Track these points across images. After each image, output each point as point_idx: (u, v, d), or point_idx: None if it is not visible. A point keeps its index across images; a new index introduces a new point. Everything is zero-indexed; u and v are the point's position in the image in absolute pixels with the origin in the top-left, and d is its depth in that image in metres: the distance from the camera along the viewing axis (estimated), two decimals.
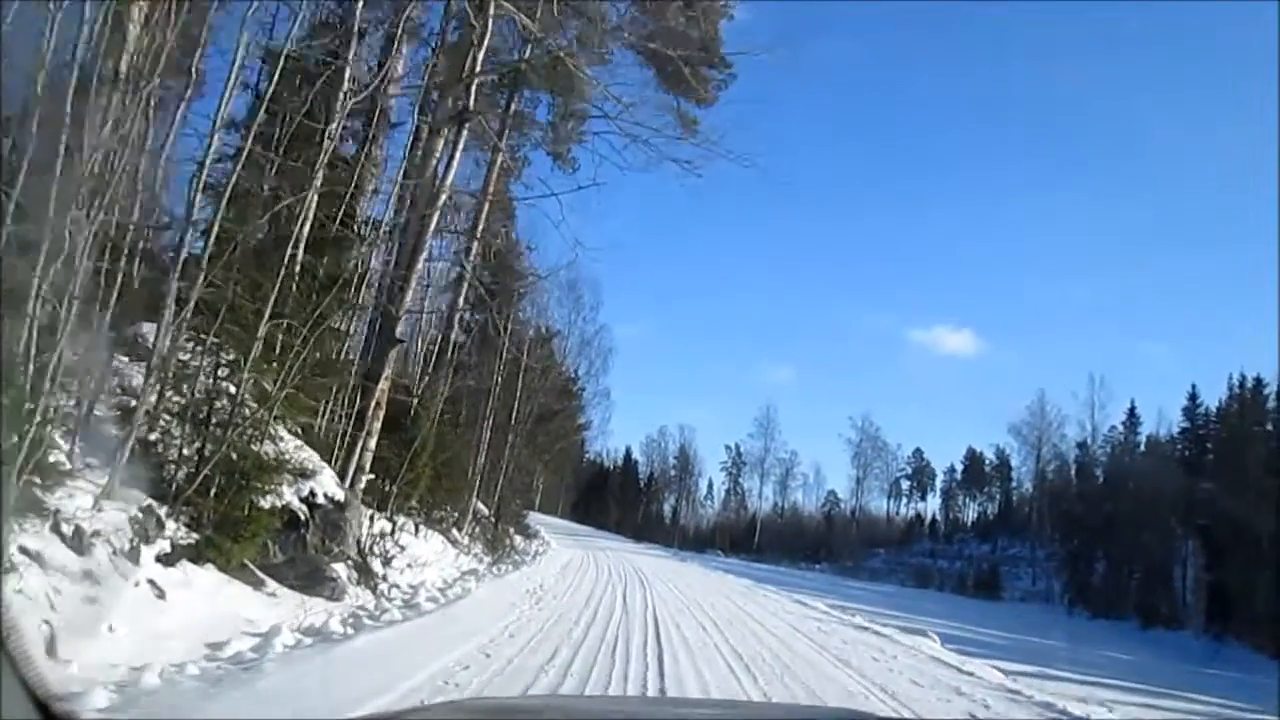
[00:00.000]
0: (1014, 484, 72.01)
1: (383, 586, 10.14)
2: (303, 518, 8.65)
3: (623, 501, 69.03)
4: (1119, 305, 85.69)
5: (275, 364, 8.57)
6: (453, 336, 22.16)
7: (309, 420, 9.93)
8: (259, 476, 8.04)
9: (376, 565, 10.57)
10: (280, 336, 9.63)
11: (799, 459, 73.94)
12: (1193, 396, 55.46)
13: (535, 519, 40.84)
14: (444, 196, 10.23)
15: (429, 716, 2.47)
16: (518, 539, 26.48)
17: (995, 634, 28.80)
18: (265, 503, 8.29)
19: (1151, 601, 48.71)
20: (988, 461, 74.51)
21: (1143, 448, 58.63)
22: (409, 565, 11.88)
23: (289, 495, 8.64)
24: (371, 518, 10.61)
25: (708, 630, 10.02)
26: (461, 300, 22.31)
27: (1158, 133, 78.27)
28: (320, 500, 8.83)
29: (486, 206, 22.87)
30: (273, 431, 8.64)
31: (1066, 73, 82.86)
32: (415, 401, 14.95)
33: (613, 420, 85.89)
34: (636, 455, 75.11)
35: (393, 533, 12.54)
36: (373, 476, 14.91)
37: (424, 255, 10.19)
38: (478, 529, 21.30)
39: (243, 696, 4.63)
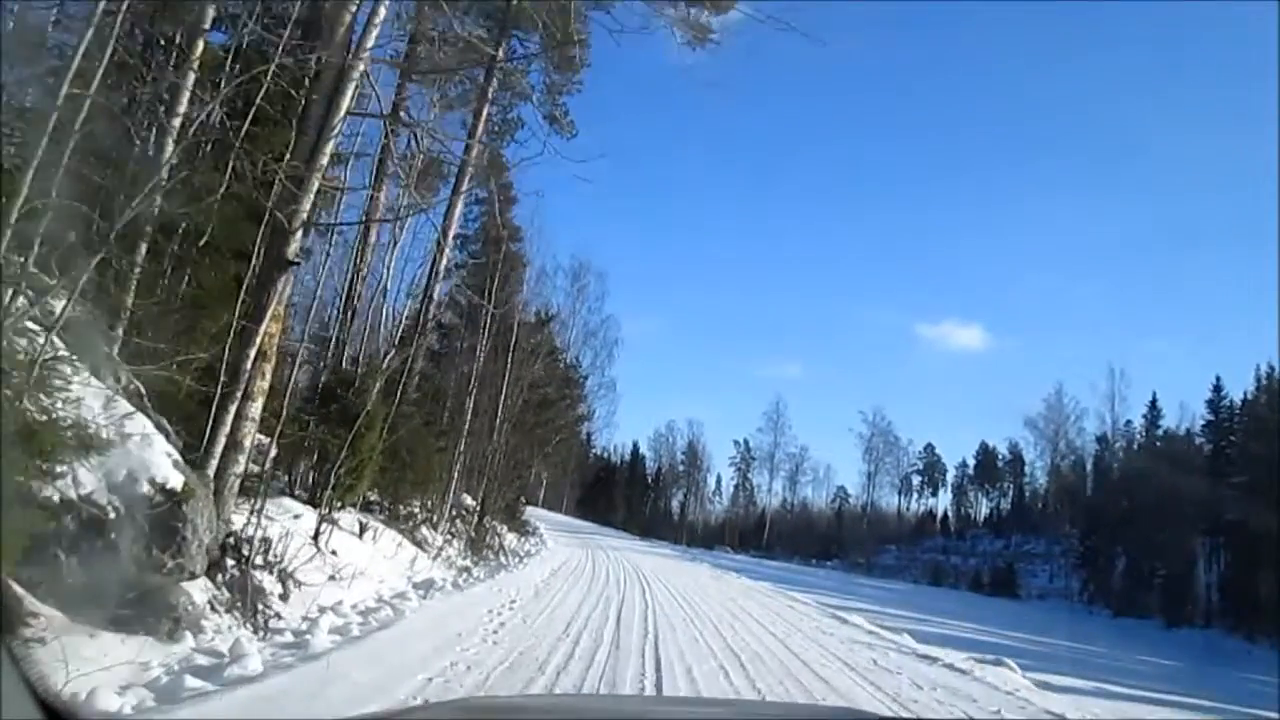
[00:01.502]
0: (1027, 479, 68.81)
1: (274, 612, 6.93)
2: (112, 515, 5.43)
3: (629, 497, 65.69)
4: (1130, 301, 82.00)
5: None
6: (430, 309, 18.98)
7: (170, 374, 6.76)
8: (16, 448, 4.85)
9: (270, 582, 7.36)
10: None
11: (809, 454, 70.62)
12: (1217, 388, 52.25)
13: (537, 516, 37.69)
14: (360, 69, 7.02)
15: (430, 715, 2.38)
16: (510, 538, 23.25)
17: (1028, 639, 25.82)
18: (49, 491, 5.16)
19: (1175, 600, 45.58)
20: (1000, 456, 71.13)
21: (1159, 442, 55.31)
22: (333, 578, 8.67)
23: (93, 481, 5.44)
24: (254, 512, 7.34)
25: (730, 675, 6.75)
26: (443, 268, 19.16)
27: (1161, 132, 75.13)
28: (144, 489, 5.62)
29: (470, 165, 19.69)
30: (66, 383, 5.43)
31: (1069, 73, 79.52)
32: (361, 372, 11.73)
33: (620, 414, 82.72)
34: (644, 450, 71.78)
35: (316, 536, 9.33)
36: (320, 466, 11.78)
37: (330, 147, 6.96)
38: (460, 527, 18.12)
39: None
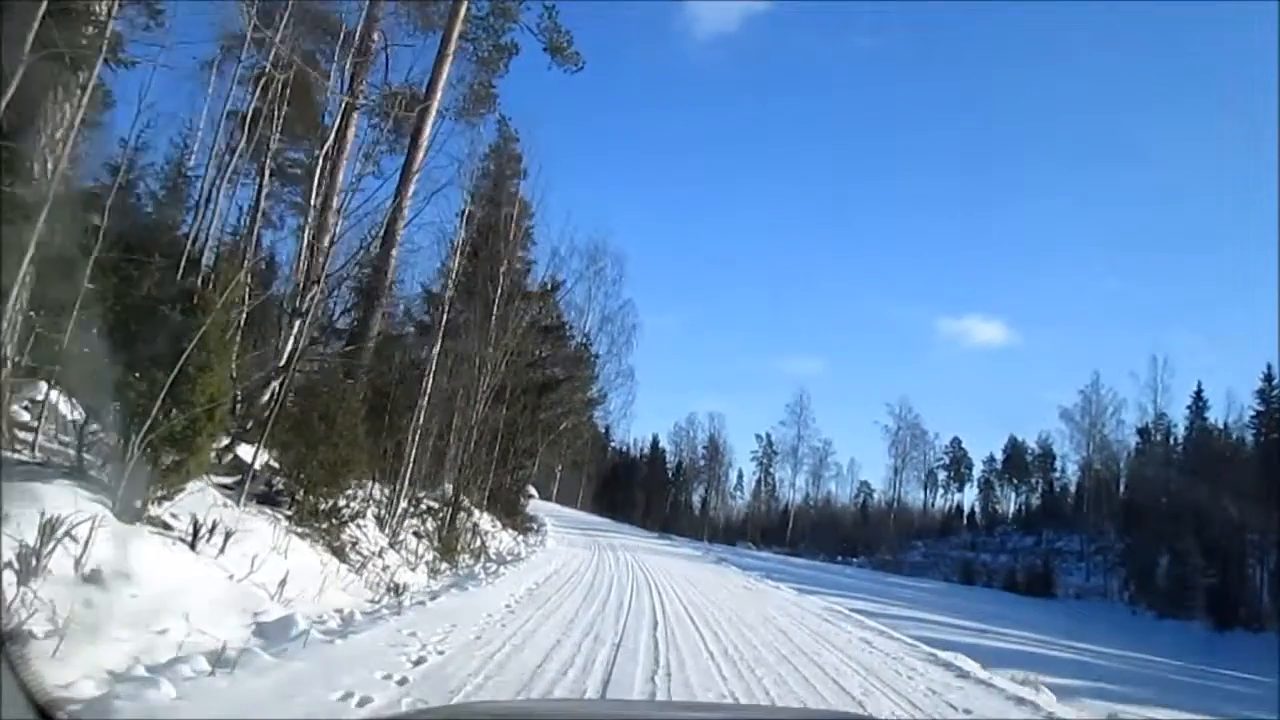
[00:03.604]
0: (1058, 474, 63.35)
1: None
2: None
3: (649, 492, 60.61)
4: (1158, 296, 76.19)
5: None
6: (393, 251, 14.49)
7: None
8: None
9: None
10: None
11: (833, 448, 65.52)
12: (1268, 377, 46.83)
13: (548, 511, 33.23)
14: None
15: (431, 718, 2.34)
16: (502, 537, 18.69)
17: (1105, 654, 21.52)
18: None
19: (1223, 601, 40.58)
20: (1030, 450, 65.59)
21: (1205, 434, 50.10)
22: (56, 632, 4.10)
23: None
24: None
25: None
26: (407, 201, 14.65)
27: (1169, 131, 69.82)
28: None
29: (445, 70, 15.21)
30: None
31: (1081, 71, 74.28)
32: (206, 274, 7.10)
33: (640, 408, 78.24)
34: (664, 444, 66.66)
35: (39, 551, 4.75)
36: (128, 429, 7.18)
37: None
38: (432, 525, 13.61)
39: None
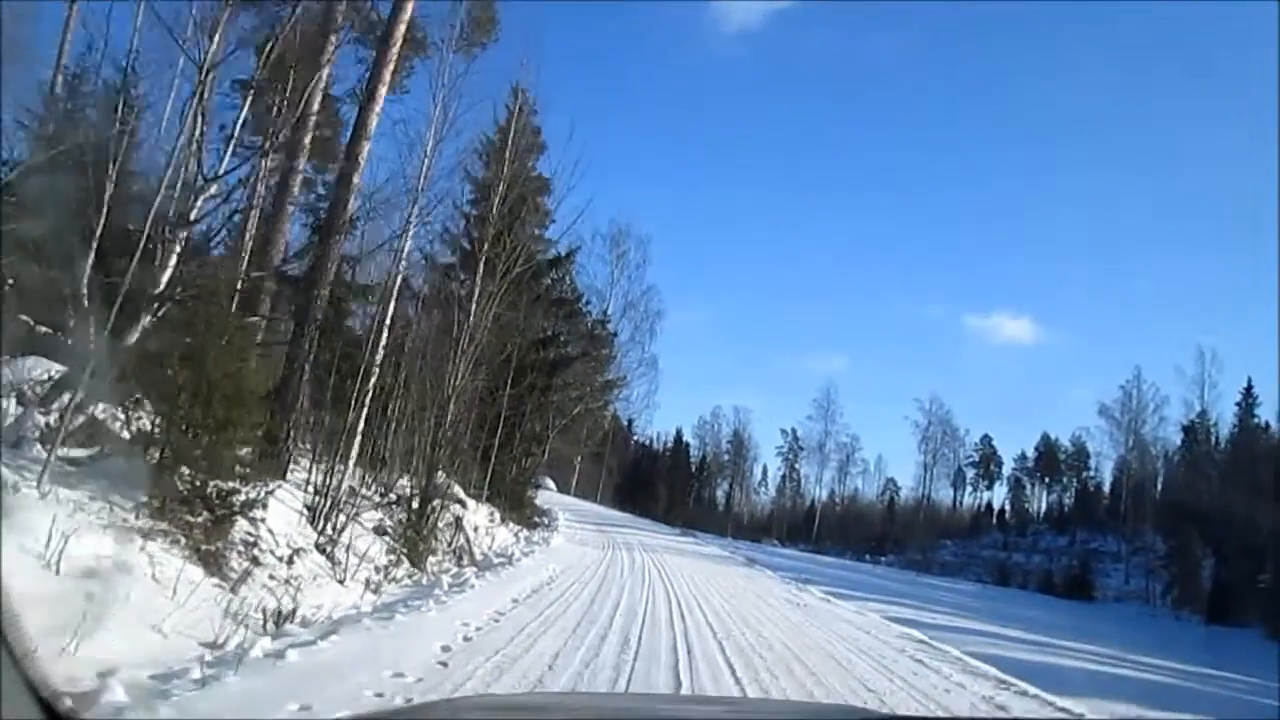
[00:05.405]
0: (1093, 473, 59.02)
1: None
2: None
3: (672, 487, 56.81)
4: (1191, 295, 71.20)
5: None
6: (356, 180, 11.25)
7: None
8: None
9: None
10: None
11: (860, 444, 61.54)
12: None
13: (566, 504, 30.01)
14: None
15: (431, 715, 2.15)
16: (500, 532, 15.42)
17: (1178, 670, 18.15)
18: None
19: (1278, 607, 36.58)
20: (1063, 449, 61.23)
21: (1254, 433, 45.87)
22: None
23: None
24: None
25: None
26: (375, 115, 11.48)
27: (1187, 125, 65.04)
28: None
29: None
30: None
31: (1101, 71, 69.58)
32: None
33: (664, 403, 74.60)
34: (688, 438, 62.68)
35: None
36: None
37: None
38: (399, 518, 10.39)
39: None
